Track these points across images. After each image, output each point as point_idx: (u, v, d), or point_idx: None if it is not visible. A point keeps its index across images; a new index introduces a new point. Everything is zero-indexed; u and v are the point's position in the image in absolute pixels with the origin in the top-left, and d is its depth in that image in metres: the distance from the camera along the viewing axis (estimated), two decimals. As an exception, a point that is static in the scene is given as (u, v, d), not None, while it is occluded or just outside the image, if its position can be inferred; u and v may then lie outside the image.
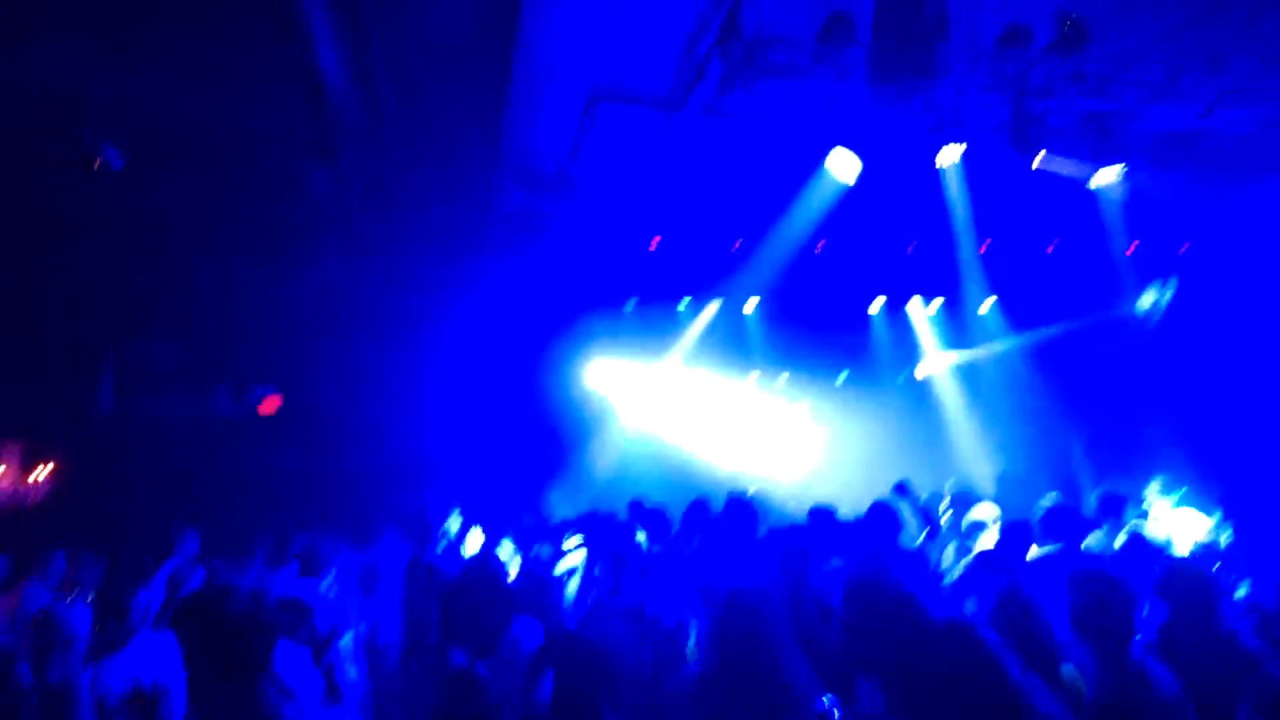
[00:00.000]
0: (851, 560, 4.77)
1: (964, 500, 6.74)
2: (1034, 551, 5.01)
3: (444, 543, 6.87)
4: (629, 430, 11.98)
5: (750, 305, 12.65)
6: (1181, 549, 5.01)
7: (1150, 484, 6.26)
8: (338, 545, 6.26)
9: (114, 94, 7.36)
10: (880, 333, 13.15)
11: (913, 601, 3.21)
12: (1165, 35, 6.21)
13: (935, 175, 8.56)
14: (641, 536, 5.71)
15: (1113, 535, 5.15)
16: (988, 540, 5.47)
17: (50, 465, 10.09)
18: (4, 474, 9.54)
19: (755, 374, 13.31)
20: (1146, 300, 10.94)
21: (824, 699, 2.67)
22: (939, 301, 12.89)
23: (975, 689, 2.69)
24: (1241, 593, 3.94)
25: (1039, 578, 4.15)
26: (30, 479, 9.76)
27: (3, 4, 5.97)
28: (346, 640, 4.97)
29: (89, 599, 5.37)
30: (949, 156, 7.47)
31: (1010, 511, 5.97)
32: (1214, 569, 3.90)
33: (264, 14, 6.31)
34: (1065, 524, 5.11)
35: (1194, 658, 3.27)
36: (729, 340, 12.74)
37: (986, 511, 5.91)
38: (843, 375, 13.47)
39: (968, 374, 12.94)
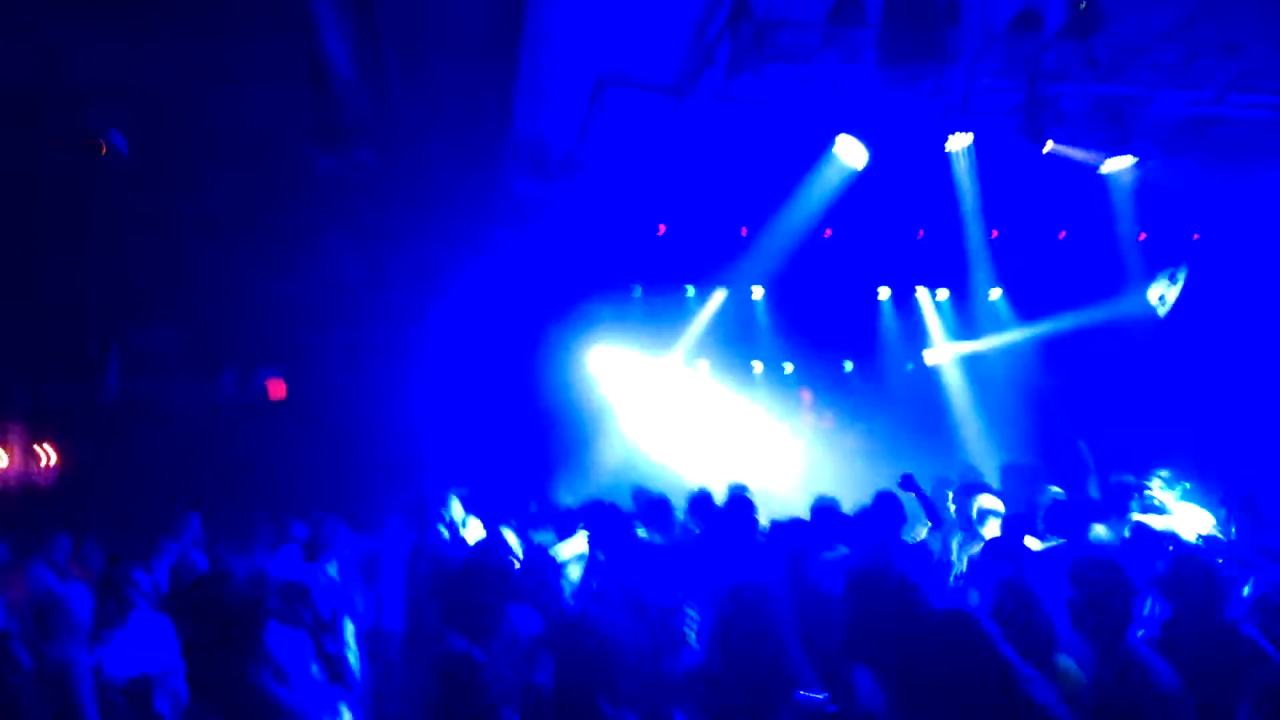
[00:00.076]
0: (855, 551, 4.74)
1: (970, 490, 6.69)
2: (1036, 544, 4.97)
3: (446, 530, 6.86)
4: (628, 423, 11.94)
5: (757, 293, 12.59)
6: (1190, 543, 4.97)
7: (1154, 477, 6.20)
8: (342, 530, 6.27)
9: (119, 80, 7.34)
10: (888, 321, 13.08)
11: (914, 592, 3.18)
12: (1180, 20, 6.12)
13: (945, 161, 8.48)
14: (642, 531, 5.69)
15: (1117, 528, 5.11)
16: (994, 530, 5.43)
17: (55, 450, 10.13)
18: (9, 458, 9.58)
19: (759, 365, 13.27)
20: (1156, 292, 10.82)
21: (815, 695, 2.65)
22: (945, 292, 12.82)
23: (974, 680, 2.67)
24: (1247, 590, 3.89)
25: (1042, 570, 4.12)
26: (35, 463, 9.80)
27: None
28: (350, 626, 4.98)
29: (91, 582, 5.38)
30: (959, 142, 7.39)
31: (1014, 503, 5.93)
32: (1218, 563, 3.85)
33: (270, 1, 6.27)
34: (1069, 516, 5.06)
35: (1196, 651, 3.23)
36: (735, 329, 12.69)
37: (993, 502, 5.86)
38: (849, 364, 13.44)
39: (974, 364, 12.87)
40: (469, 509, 7.26)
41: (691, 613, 4.32)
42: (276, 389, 11.35)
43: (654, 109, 7.98)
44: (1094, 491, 6.31)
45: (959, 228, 10.13)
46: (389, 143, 8.69)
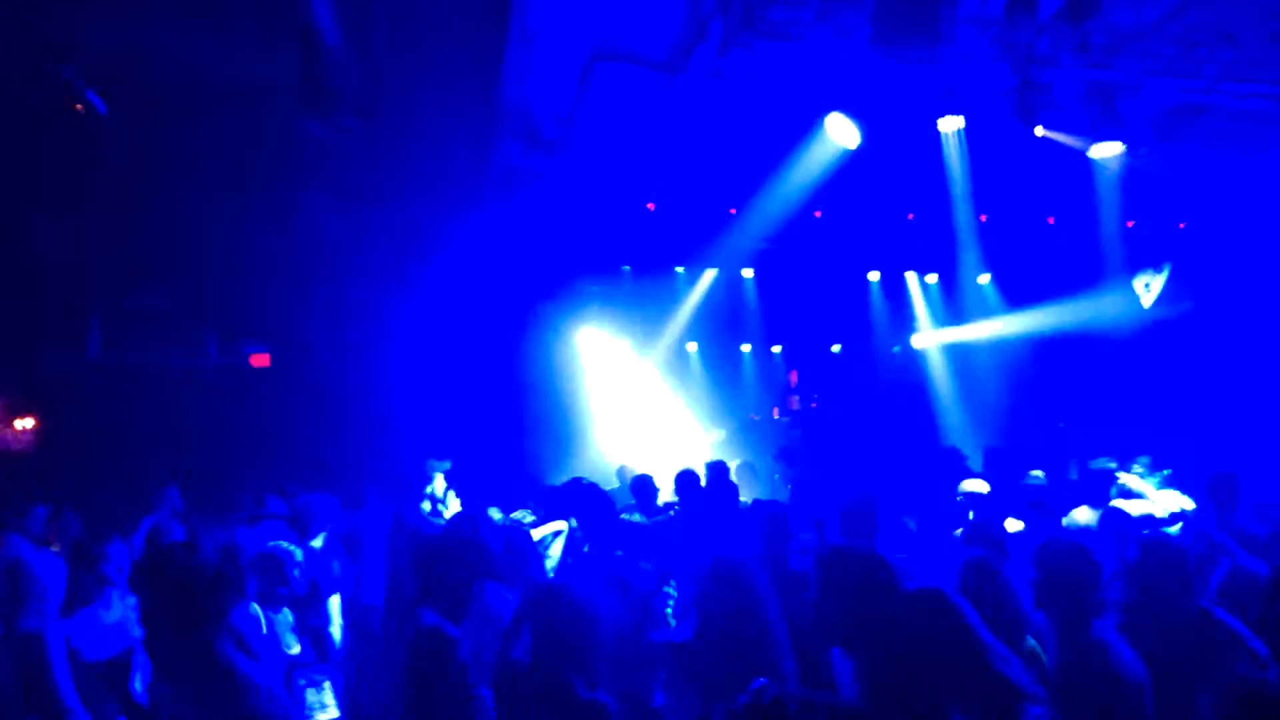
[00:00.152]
0: (833, 529, 4.75)
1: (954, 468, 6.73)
2: (1016, 525, 5.00)
3: (428, 504, 6.85)
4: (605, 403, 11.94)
5: (746, 273, 12.56)
6: (1161, 528, 5.00)
7: (1135, 463, 6.23)
8: (330, 504, 6.24)
9: (105, 40, 7.21)
10: (877, 304, 13.09)
11: (886, 570, 3.18)
12: (1174, 8, 6.08)
13: (936, 144, 8.44)
14: (628, 514, 5.68)
15: (1095, 512, 5.14)
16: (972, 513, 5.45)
17: (36, 417, 10.04)
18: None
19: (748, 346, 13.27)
20: (1141, 281, 10.86)
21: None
22: (932, 275, 12.82)
23: (947, 658, 2.67)
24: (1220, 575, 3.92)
25: (1015, 551, 4.14)
26: (15, 429, 9.71)
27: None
28: (334, 601, 4.96)
29: (66, 552, 5.34)
30: (951, 124, 7.35)
31: (995, 486, 5.95)
32: (1190, 548, 3.87)
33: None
34: (1045, 500, 5.09)
35: (1166, 636, 3.25)
36: (724, 310, 12.67)
37: (977, 485, 5.89)
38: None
39: (960, 348, 12.91)
40: (450, 484, 7.25)
41: (670, 591, 4.33)
42: (259, 357, 11.28)
43: (645, 84, 7.89)
44: (1074, 475, 6.35)
45: (949, 211, 10.10)
46: (377, 109, 8.58)
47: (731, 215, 10.68)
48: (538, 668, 2.97)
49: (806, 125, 8.20)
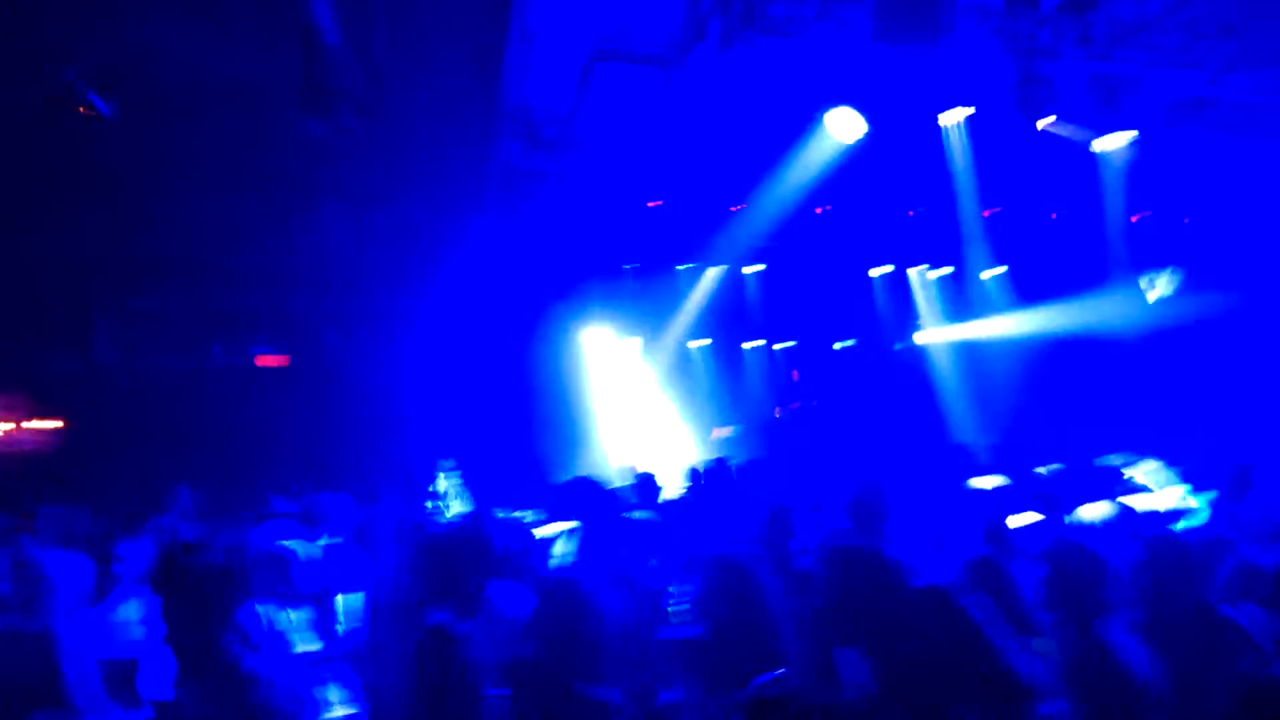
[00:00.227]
0: (838, 526, 4.75)
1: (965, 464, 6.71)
2: (1020, 521, 4.99)
3: (433, 502, 6.87)
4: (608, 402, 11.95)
5: (749, 270, 12.55)
6: (1171, 525, 4.99)
7: (1145, 460, 6.21)
8: (342, 503, 6.25)
9: (107, 41, 7.23)
10: (880, 300, 13.07)
11: (893, 568, 3.18)
12: (1177, 0, 6.07)
13: (939, 139, 8.43)
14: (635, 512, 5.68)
15: (1104, 509, 5.12)
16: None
17: (48, 417, 10.08)
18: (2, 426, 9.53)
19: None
20: (1147, 281, 10.83)
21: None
22: (936, 271, 12.80)
23: (955, 655, 2.67)
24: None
25: (1024, 547, 4.13)
26: (28, 431, 9.75)
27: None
28: (355, 599, 4.98)
29: (79, 551, 5.36)
30: (953, 118, 7.34)
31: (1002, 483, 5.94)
32: (1197, 544, 3.86)
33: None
34: (1052, 492, 5.08)
35: (1174, 634, 3.24)
36: (727, 306, 12.66)
37: (986, 482, 5.87)
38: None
39: (965, 344, 12.88)
40: (465, 484, 7.26)
41: (673, 590, 4.34)
42: (266, 358, 11.31)
43: (645, 83, 7.90)
44: (1081, 475, 6.33)
45: (952, 206, 10.09)
46: (378, 109, 8.59)
47: (734, 212, 10.68)
48: (543, 665, 2.98)
49: (808, 122, 8.20)
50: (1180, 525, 4.95)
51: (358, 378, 11.06)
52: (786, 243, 10.96)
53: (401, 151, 9.55)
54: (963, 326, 12.74)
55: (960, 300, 12.72)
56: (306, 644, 3.93)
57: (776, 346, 13.59)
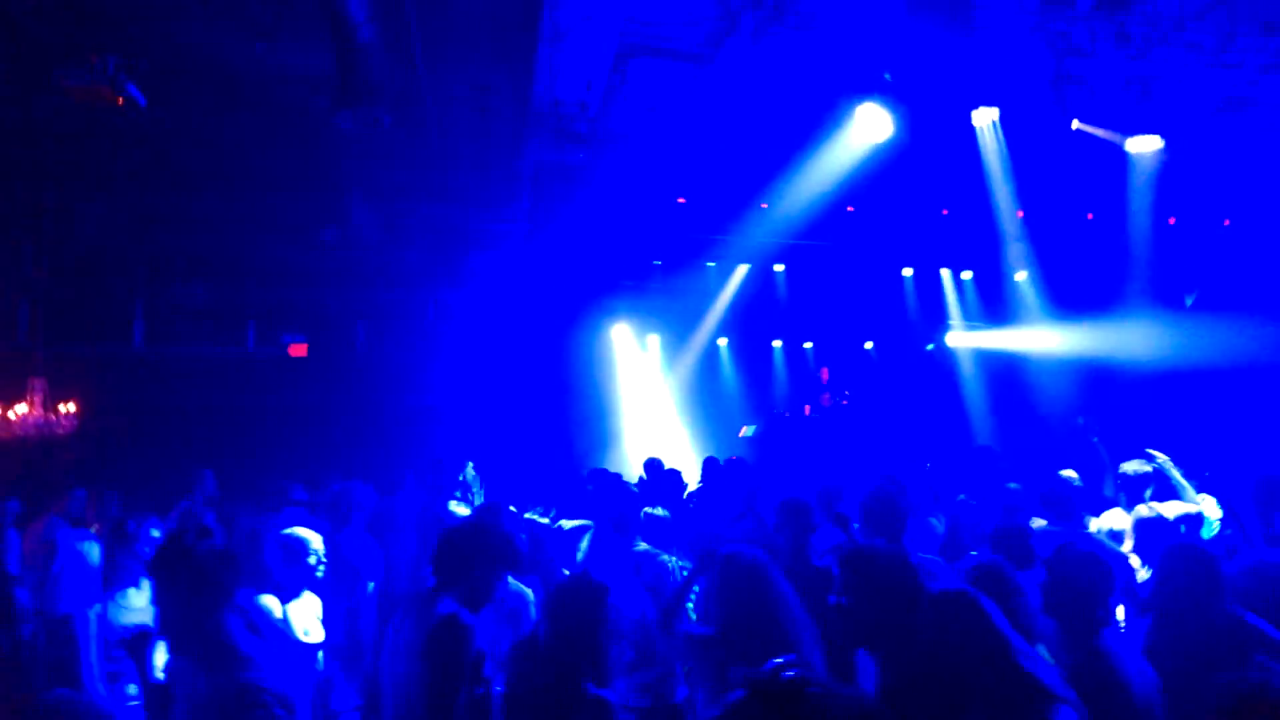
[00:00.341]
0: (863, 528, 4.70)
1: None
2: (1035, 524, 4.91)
3: (459, 494, 6.91)
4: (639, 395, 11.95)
5: (778, 268, 12.49)
6: (1190, 534, 4.88)
7: (1165, 467, 6.06)
8: (366, 491, 6.32)
9: (152, 36, 7.35)
10: (910, 299, 12.95)
11: (910, 570, 3.14)
12: (1216, -2, 5.93)
13: (971, 138, 8.31)
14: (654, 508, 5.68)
15: (1127, 518, 5.03)
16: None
17: (81, 404, 10.31)
18: (34, 411, 9.75)
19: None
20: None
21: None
22: (968, 271, 12.65)
23: (974, 659, 2.63)
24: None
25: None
26: (60, 417, 9.98)
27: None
28: (367, 587, 5.03)
29: (106, 532, 5.47)
30: (986, 117, 7.23)
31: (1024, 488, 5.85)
32: (1223, 554, 3.78)
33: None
34: (1063, 497, 4.98)
35: (1193, 642, 3.18)
36: (755, 304, 12.61)
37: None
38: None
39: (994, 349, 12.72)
40: (483, 479, 7.31)
41: (695, 590, 4.32)
42: (297, 348, 11.46)
43: (676, 78, 7.88)
44: (1109, 490, 6.22)
45: (985, 207, 9.94)
46: (410, 105, 8.66)
47: (763, 210, 10.62)
48: (549, 660, 2.97)
49: (840, 118, 8.13)
50: (1203, 536, 4.84)
51: (387, 370, 11.18)
52: (816, 240, 10.88)
53: (433, 147, 9.62)
54: (994, 333, 12.58)
55: (992, 301, 12.56)
56: (312, 632, 3.98)
57: (805, 345, 13.52)
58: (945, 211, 10.74)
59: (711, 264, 12.33)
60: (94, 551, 4.17)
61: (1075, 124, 6.75)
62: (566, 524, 5.25)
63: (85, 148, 9.00)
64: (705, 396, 12.55)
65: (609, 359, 12.16)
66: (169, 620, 2.34)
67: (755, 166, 9.68)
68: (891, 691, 2.83)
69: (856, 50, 6.66)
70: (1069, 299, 11.51)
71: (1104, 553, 3.68)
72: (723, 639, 3.35)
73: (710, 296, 12.62)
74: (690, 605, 4.22)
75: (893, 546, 3.94)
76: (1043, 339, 11.90)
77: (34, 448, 9.77)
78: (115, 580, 4.31)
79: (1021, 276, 12.06)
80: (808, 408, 13.57)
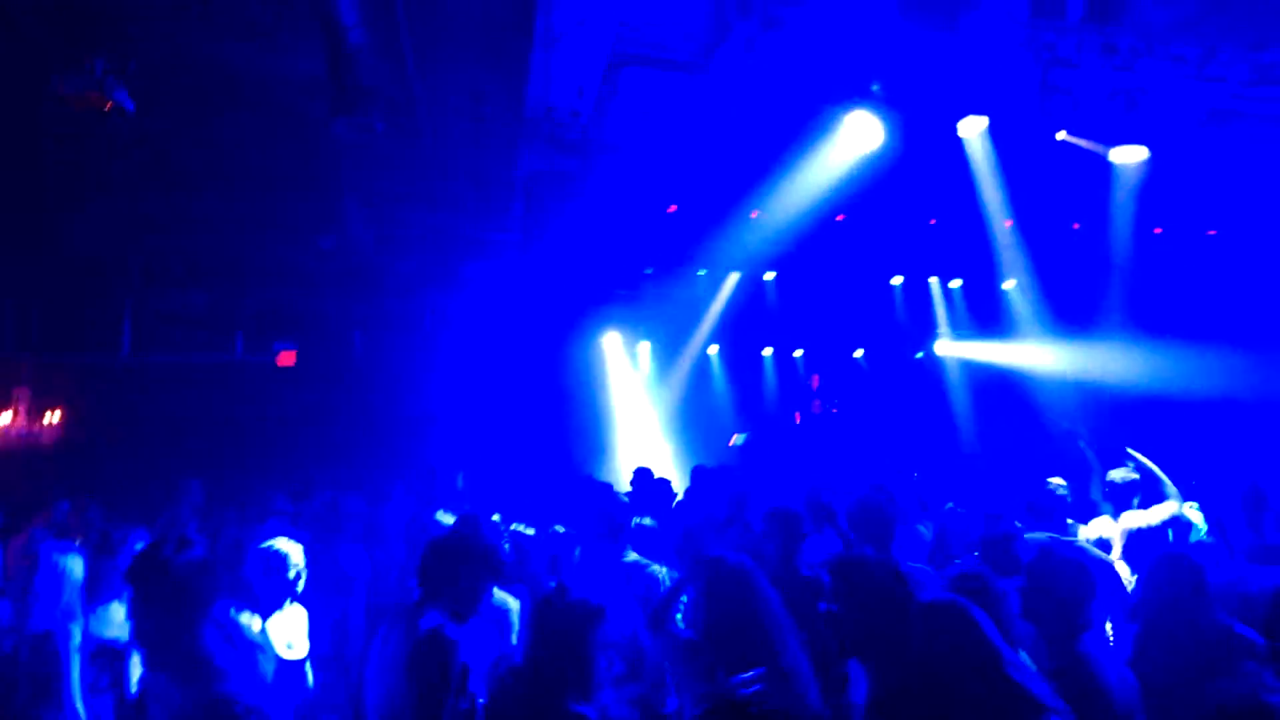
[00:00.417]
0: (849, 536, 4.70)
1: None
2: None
3: (448, 505, 6.88)
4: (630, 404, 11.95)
5: (768, 276, 12.52)
6: (1179, 540, 4.90)
7: (1151, 476, 6.08)
8: (356, 502, 6.29)
9: (134, 35, 7.31)
10: (899, 308, 13.00)
11: (900, 579, 3.14)
12: (1201, 10, 5.97)
13: (959, 148, 8.36)
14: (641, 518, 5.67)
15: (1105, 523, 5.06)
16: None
17: (67, 412, 10.23)
18: (17, 420, 9.67)
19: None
20: None
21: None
22: (956, 280, 12.71)
23: (964, 669, 2.63)
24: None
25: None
26: (45, 424, 9.90)
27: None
28: (351, 600, 5.00)
29: (90, 543, 5.42)
30: (974, 128, 7.27)
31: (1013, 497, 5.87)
32: (1209, 562, 3.78)
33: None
34: (1043, 504, 5.00)
35: (1178, 649, 3.19)
36: (746, 312, 12.63)
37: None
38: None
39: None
40: (472, 490, 7.29)
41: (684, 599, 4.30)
42: (286, 356, 11.41)
43: (668, 86, 7.90)
44: (1096, 494, 6.23)
45: (974, 216, 10.00)
46: (404, 111, 8.65)
47: (753, 219, 10.64)
48: (532, 675, 2.95)
49: (829, 128, 8.16)
50: (1189, 543, 4.86)
51: (383, 377, 11.14)
52: (806, 249, 10.91)
53: (428, 155, 9.61)
54: (982, 345, 12.64)
55: (981, 310, 12.62)
56: (296, 645, 3.94)
57: (796, 353, 13.55)
58: (933, 221, 10.79)
59: (702, 272, 12.34)
60: (77, 565, 4.11)
61: (1061, 135, 6.78)
62: (559, 529, 5.23)
63: (80, 152, 8.94)
64: (696, 404, 12.55)
65: (601, 366, 12.15)
66: (145, 632, 2.31)
67: (746, 175, 9.70)
68: (882, 701, 2.83)
69: (847, 60, 6.69)
70: (1055, 309, 11.57)
71: (1087, 558, 3.68)
72: (708, 643, 3.35)
73: (701, 304, 12.64)
74: (679, 615, 4.21)
75: (883, 556, 3.95)
76: (1030, 353, 11.96)
77: (18, 458, 9.69)
78: (98, 593, 4.27)
79: (1010, 285, 12.12)
80: (798, 415, 13.60)
